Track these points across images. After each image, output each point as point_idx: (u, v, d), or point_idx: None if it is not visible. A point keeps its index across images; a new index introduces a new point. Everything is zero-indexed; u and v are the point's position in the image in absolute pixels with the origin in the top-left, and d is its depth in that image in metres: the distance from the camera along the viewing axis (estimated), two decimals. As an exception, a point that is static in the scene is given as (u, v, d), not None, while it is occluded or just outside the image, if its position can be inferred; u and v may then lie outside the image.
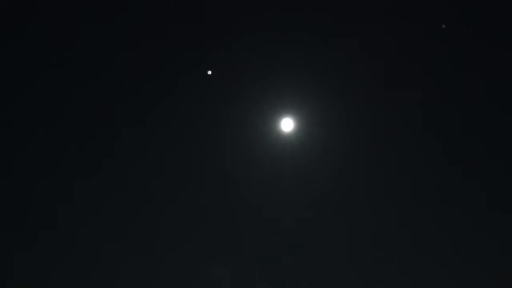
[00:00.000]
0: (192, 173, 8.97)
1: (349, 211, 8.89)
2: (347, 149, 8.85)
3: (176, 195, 8.95)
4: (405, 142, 8.89)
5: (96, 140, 8.97)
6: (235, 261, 8.77)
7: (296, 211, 8.83)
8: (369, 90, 8.86)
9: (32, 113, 8.97)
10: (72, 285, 8.69)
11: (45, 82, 8.95)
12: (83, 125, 8.99)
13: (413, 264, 8.73)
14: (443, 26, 8.79)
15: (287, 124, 8.75)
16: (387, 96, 8.86)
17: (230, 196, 8.89)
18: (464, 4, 8.80)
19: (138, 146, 9.00)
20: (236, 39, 8.82)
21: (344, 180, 8.83)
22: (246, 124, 8.82)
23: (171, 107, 8.93)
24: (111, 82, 9.00)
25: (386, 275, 8.72)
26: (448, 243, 8.77)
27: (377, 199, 8.89)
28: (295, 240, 8.82)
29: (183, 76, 8.94)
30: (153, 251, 8.86)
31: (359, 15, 8.82)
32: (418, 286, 8.67)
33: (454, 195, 8.85)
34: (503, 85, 8.85)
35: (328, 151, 8.80)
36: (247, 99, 8.82)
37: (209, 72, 8.82)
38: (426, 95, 8.89)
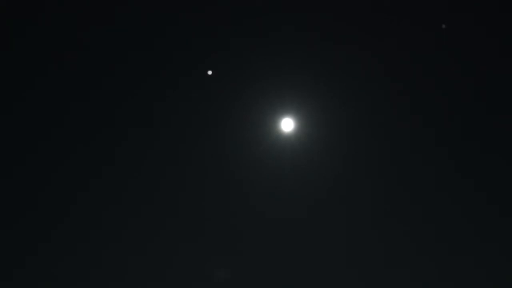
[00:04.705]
0: (192, 173, 8.98)
1: (349, 211, 8.90)
2: (347, 149, 8.86)
3: (176, 195, 8.96)
4: (405, 142, 8.90)
5: (96, 140, 8.98)
6: (235, 261, 8.77)
7: (296, 211, 8.83)
8: (369, 90, 8.87)
9: (31, 113, 8.99)
10: (72, 285, 8.70)
11: (45, 82, 8.96)
12: (83, 125, 9.00)
13: (412, 264, 8.74)
14: (443, 26, 8.79)
15: (287, 124, 8.75)
16: (387, 96, 8.87)
17: (230, 196, 8.89)
18: (464, 4, 8.81)
19: (138, 146, 9.00)
20: (236, 39, 8.83)
21: (344, 180, 8.84)
22: (246, 124, 8.82)
23: (171, 107, 8.94)
24: (111, 82, 9.01)
25: (386, 275, 8.72)
26: (447, 243, 8.78)
27: (377, 199, 8.90)
28: (295, 240, 8.83)
29: (183, 76, 8.94)
30: (154, 251, 8.87)
31: (359, 15, 8.83)
32: (418, 286, 8.68)
33: (454, 195, 8.86)
34: (503, 85, 8.86)
35: (328, 151, 8.80)
36: (247, 99, 8.82)
37: (209, 72, 8.82)
38: (426, 95, 8.90)
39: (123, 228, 8.87)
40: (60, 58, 8.97)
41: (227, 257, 8.80)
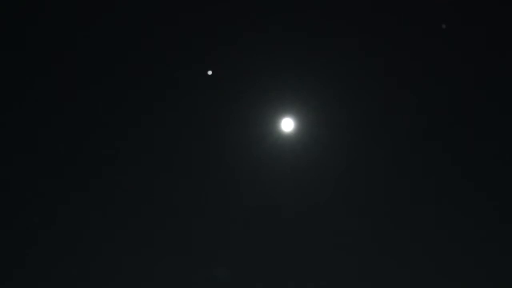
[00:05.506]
0: (192, 174, 8.98)
1: (350, 211, 8.90)
2: (347, 149, 8.86)
3: (176, 195, 8.96)
4: (405, 142, 8.91)
5: (96, 141, 8.98)
6: (235, 261, 8.77)
7: (296, 211, 8.84)
8: (369, 90, 8.87)
9: (31, 113, 8.98)
10: (72, 285, 8.70)
11: (45, 82, 8.95)
12: (82, 125, 9.00)
13: (412, 264, 8.75)
14: (443, 26, 8.79)
15: (287, 124, 8.75)
16: (387, 96, 8.87)
17: (230, 196, 8.89)
18: (464, 4, 8.81)
19: (138, 146, 9.00)
20: (236, 39, 8.82)
21: (344, 180, 8.84)
22: (246, 124, 8.82)
23: (171, 107, 8.93)
24: (111, 82, 9.00)
25: (386, 275, 8.73)
26: (448, 244, 8.80)
27: (378, 199, 8.90)
28: (295, 240, 8.83)
29: (183, 76, 8.94)
30: (152, 251, 8.87)
31: (359, 15, 8.83)
32: (418, 286, 8.69)
33: (454, 196, 8.87)
34: (503, 85, 8.87)
35: (328, 151, 8.80)
36: (247, 99, 8.82)
37: (209, 72, 8.82)
38: (426, 95, 8.90)
39: (123, 228, 8.88)
40: (60, 58, 8.97)
41: (226, 257, 8.80)
